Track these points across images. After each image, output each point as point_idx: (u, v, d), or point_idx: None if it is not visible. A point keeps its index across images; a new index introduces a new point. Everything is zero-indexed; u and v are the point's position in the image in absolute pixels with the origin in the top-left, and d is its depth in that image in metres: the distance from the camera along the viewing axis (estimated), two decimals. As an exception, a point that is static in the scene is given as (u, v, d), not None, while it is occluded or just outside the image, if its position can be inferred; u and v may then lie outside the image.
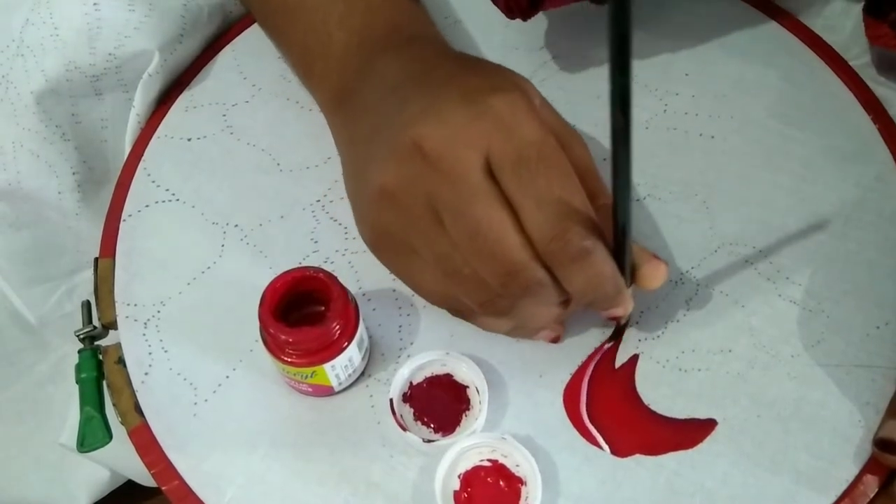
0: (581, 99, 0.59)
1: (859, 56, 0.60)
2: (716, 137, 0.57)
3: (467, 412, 0.48)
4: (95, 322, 0.54)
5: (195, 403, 0.50)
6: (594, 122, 0.58)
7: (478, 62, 0.47)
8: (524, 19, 0.57)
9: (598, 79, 0.60)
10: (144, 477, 0.75)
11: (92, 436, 0.50)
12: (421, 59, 0.48)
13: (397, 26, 0.51)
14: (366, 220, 0.44)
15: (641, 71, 0.60)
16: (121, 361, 0.51)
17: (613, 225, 0.41)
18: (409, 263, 0.45)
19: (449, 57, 0.49)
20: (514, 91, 0.41)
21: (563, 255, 0.39)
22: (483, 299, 0.43)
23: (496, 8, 0.58)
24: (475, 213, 0.39)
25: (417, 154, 0.40)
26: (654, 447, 0.47)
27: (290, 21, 0.53)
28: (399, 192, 0.41)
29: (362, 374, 0.50)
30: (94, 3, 0.57)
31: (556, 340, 0.50)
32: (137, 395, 0.50)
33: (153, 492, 0.79)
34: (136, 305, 0.53)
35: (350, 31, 0.50)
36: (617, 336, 0.51)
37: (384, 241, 0.44)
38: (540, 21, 0.63)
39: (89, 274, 0.56)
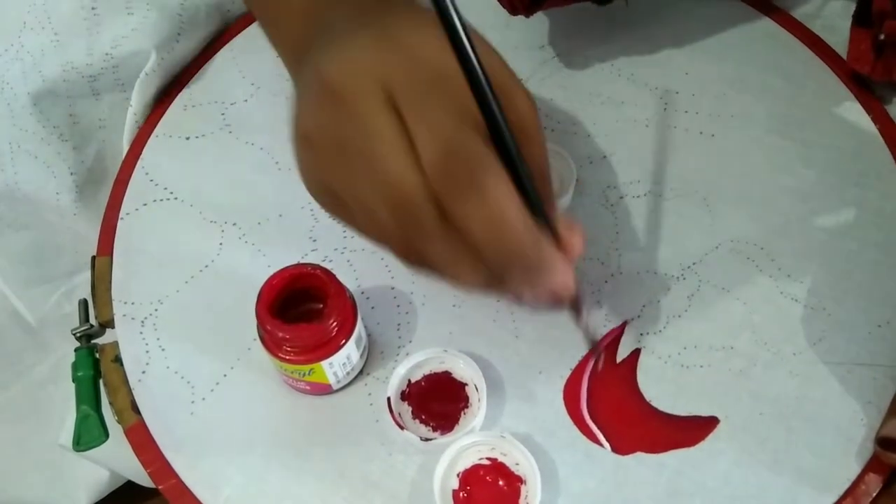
0: (581, 98, 0.59)
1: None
2: (716, 136, 0.57)
3: (466, 410, 0.48)
4: (92, 320, 0.54)
5: (192, 402, 0.50)
6: (594, 121, 0.58)
7: (410, 4, 0.43)
8: (527, 15, 0.57)
9: (598, 78, 0.60)
10: (143, 477, 0.74)
11: (88, 434, 0.50)
12: (365, 9, 0.43)
13: None
14: (300, 171, 0.41)
15: (642, 70, 0.60)
16: (118, 360, 0.51)
17: (509, 166, 0.36)
18: (340, 208, 0.41)
19: (392, 3, 0.44)
20: (426, 24, 0.38)
21: (452, 188, 0.35)
22: (394, 243, 0.39)
23: (496, 7, 0.58)
24: (373, 149, 0.36)
25: (326, 95, 0.37)
26: (656, 445, 0.47)
27: None
28: (314, 135, 0.38)
29: (360, 372, 0.50)
30: (92, 6, 0.57)
31: (515, 301, 0.43)
32: (134, 393, 0.50)
33: (153, 492, 0.79)
34: (133, 304, 0.53)
35: None
36: (591, 345, 0.48)
37: (315, 189, 0.41)
38: (540, 20, 0.63)
39: (88, 275, 0.56)
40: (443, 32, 0.36)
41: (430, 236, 0.36)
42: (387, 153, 0.35)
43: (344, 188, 0.38)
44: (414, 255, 0.38)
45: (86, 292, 0.55)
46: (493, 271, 0.37)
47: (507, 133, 0.36)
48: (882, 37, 0.54)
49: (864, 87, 0.59)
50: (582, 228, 0.39)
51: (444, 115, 0.35)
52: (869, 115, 0.58)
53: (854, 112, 0.58)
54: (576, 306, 0.44)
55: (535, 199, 0.37)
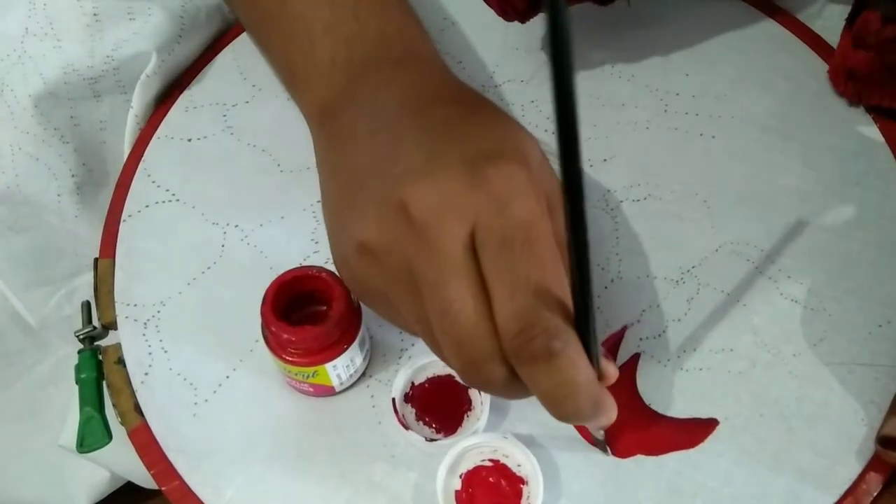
0: (581, 100, 0.59)
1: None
2: (717, 137, 0.57)
3: (469, 412, 0.48)
4: (95, 322, 0.54)
5: (195, 403, 0.50)
6: (594, 123, 0.58)
7: (479, 107, 0.43)
8: (522, 21, 0.56)
9: (599, 80, 0.60)
10: (144, 478, 0.74)
11: (91, 436, 0.50)
12: (416, 87, 0.44)
13: (388, 38, 0.47)
14: (346, 268, 0.41)
15: (642, 71, 0.60)
16: (120, 362, 0.51)
17: (574, 307, 0.36)
18: (389, 314, 0.42)
19: (448, 91, 0.45)
20: (514, 159, 0.37)
21: (526, 353, 0.35)
22: (456, 369, 0.39)
23: (495, 9, 0.58)
24: (447, 292, 0.36)
25: (402, 216, 0.37)
26: (656, 447, 0.47)
27: (272, 30, 0.50)
28: (380, 251, 0.38)
29: (363, 374, 0.50)
30: (93, 8, 0.57)
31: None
32: (137, 395, 0.50)
33: (153, 494, 0.79)
34: (135, 305, 0.53)
35: (336, 41, 0.47)
36: (603, 448, 0.48)
37: (364, 291, 0.42)
38: (540, 22, 0.63)
39: (89, 277, 0.56)
40: (528, 173, 0.37)
41: (493, 385, 0.37)
42: (462, 302, 0.36)
43: (406, 312, 0.39)
44: (470, 381, 0.39)
45: (86, 294, 0.55)
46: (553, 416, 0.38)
47: (591, 299, 0.35)
48: (851, 65, 0.55)
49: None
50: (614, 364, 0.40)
51: (526, 277, 0.35)
52: (870, 115, 0.58)
53: (854, 112, 0.58)
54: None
55: (596, 354, 0.38)
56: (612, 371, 0.39)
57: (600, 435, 0.47)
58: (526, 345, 0.35)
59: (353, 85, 0.45)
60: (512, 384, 0.37)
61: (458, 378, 0.48)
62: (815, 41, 0.61)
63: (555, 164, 0.40)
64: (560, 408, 0.37)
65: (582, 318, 0.36)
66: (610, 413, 0.39)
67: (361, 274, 0.40)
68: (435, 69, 0.47)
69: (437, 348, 0.39)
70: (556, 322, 0.35)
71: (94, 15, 0.56)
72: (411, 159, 0.39)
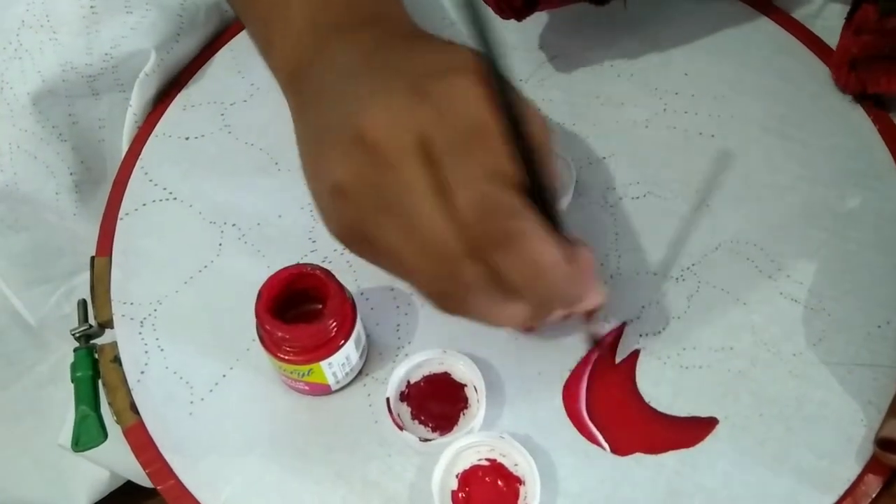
0: (580, 99, 0.59)
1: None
2: (716, 136, 0.57)
3: (465, 411, 0.48)
4: (91, 321, 0.53)
5: (191, 402, 0.50)
6: (593, 122, 0.58)
7: (431, 40, 0.44)
8: (518, 19, 0.56)
9: (598, 79, 0.60)
10: (143, 477, 0.74)
11: (87, 435, 0.50)
12: (376, 39, 0.45)
13: (356, 4, 0.48)
14: (327, 219, 0.42)
15: (641, 71, 0.60)
16: (117, 360, 0.51)
17: (531, 189, 0.37)
18: (374, 256, 0.42)
19: (404, 37, 0.45)
20: (461, 72, 0.38)
21: (488, 240, 0.35)
22: (433, 293, 0.39)
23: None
24: (410, 206, 0.36)
25: (360, 146, 0.37)
26: (655, 446, 0.47)
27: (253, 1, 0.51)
28: (349, 187, 0.38)
29: (359, 373, 0.50)
30: (91, 5, 0.57)
31: (529, 330, 0.49)
32: (133, 393, 0.50)
33: (152, 493, 0.79)
34: (132, 304, 0.53)
35: (308, 4, 0.47)
36: (594, 343, 0.48)
37: (347, 236, 0.42)
38: (538, 21, 0.62)
39: (88, 275, 0.56)
40: (475, 80, 0.37)
41: (468, 287, 0.37)
42: (424, 206, 0.36)
43: (380, 239, 0.39)
44: (451, 303, 0.39)
45: (85, 293, 0.55)
46: (534, 310, 0.38)
47: (543, 182, 0.37)
48: (856, 50, 0.55)
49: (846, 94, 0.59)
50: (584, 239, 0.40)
51: (479, 168, 0.36)
52: (869, 115, 0.57)
53: (853, 112, 0.58)
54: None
55: (559, 222, 0.38)
56: (585, 253, 0.39)
57: (597, 327, 0.47)
58: (487, 232, 0.35)
59: (320, 45, 0.46)
60: (490, 289, 0.37)
61: (454, 376, 0.48)
62: (813, 42, 0.61)
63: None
64: (536, 291, 0.37)
65: (537, 198, 0.37)
66: (592, 295, 0.40)
67: (339, 217, 0.40)
68: (399, 24, 0.48)
69: (410, 274, 0.39)
70: (511, 202, 0.36)
71: (91, 7, 0.56)
72: (362, 94, 0.39)
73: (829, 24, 0.62)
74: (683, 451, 0.47)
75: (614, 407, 0.48)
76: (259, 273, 0.48)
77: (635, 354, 0.50)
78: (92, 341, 0.53)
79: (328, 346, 0.45)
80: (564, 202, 0.54)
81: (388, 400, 0.47)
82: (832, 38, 0.61)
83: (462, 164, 0.36)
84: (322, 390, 0.49)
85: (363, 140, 0.37)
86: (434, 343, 0.50)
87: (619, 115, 0.58)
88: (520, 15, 0.55)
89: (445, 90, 0.37)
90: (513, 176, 0.37)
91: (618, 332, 0.50)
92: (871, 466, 0.46)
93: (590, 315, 0.48)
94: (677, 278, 0.52)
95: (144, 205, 0.56)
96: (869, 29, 0.53)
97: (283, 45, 0.49)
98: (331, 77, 0.44)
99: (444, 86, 0.38)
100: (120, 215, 0.56)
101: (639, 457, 0.47)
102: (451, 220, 0.36)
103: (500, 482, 0.46)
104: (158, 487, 0.48)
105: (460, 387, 0.48)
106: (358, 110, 0.38)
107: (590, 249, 0.39)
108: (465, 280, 0.37)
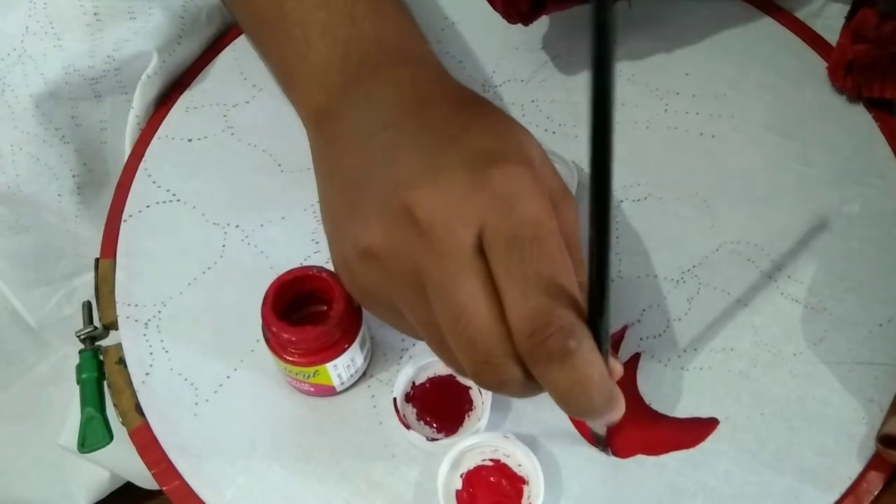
0: (582, 99, 0.59)
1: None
2: (717, 136, 0.57)
3: (470, 412, 0.48)
4: (96, 322, 0.54)
5: (196, 403, 0.50)
6: (594, 122, 0.58)
7: (477, 107, 0.43)
8: (525, 24, 0.56)
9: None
10: (144, 478, 0.75)
11: (93, 436, 0.50)
12: (413, 88, 0.44)
13: (383, 40, 0.47)
14: (348, 273, 0.41)
15: (642, 71, 0.60)
16: (121, 362, 0.51)
17: (589, 303, 0.36)
18: (393, 319, 0.42)
19: (445, 91, 0.45)
20: (516, 159, 0.37)
21: (541, 353, 0.35)
22: (469, 372, 0.38)
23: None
24: (458, 295, 0.36)
25: (407, 220, 0.37)
26: (656, 447, 0.47)
27: (269, 33, 0.50)
28: (385, 256, 0.38)
29: (364, 374, 0.50)
30: (94, 7, 0.57)
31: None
32: (138, 395, 0.50)
33: (151, 494, 0.79)
34: (136, 306, 0.53)
35: (332, 43, 0.47)
36: (603, 447, 0.48)
37: (366, 296, 0.42)
38: (540, 22, 0.62)
39: (88, 277, 0.56)
40: (533, 174, 0.37)
41: (508, 386, 0.37)
42: (474, 304, 0.35)
43: (410, 314, 0.39)
44: (482, 383, 0.38)
45: (86, 294, 0.55)
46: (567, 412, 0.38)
47: (608, 299, 0.35)
48: (852, 57, 0.55)
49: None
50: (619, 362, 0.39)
51: (537, 275, 0.35)
52: (869, 113, 0.58)
53: (855, 111, 0.58)
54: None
55: (607, 350, 0.37)
56: (618, 367, 0.39)
57: (602, 430, 0.47)
58: (541, 344, 0.35)
59: (348, 87, 0.45)
60: (526, 384, 0.37)
61: (459, 378, 0.48)
62: (815, 40, 0.61)
63: (557, 163, 0.40)
64: (576, 404, 0.36)
65: (596, 314, 0.36)
66: (620, 407, 0.39)
67: (364, 279, 0.40)
68: (432, 70, 0.47)
69: (444, 352, 0.39)
70: (570, 320, 0.35)
71: (95, 14, 0.56)
72: (412, 161, 0.38)
73: (830, 23, 0.63)
74: (685, 451, 0.47)
75: (617, 408, 0.48)
76: (262, 274, 0.48)
77: (636, 357, 0.50)
78: (97, 343, 0.53)
79: (334, 348, 0.46)
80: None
81: (395, 400, 0.47)
82: (833, 37, 0.61)
83: (519, 267, 0.35)
84: (327, 392, 0.49)
85: (411, 215, 0.36)
86: (438, 344, 0.50)
87: (619, 116, 0.59)
88: (526, 20, 0.56)
89: (505, 180, 0.36)
90: (569, 288, 0.36)
91: (619, 336, 0.51)
92: (874, 464, 0.46)
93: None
94: (678, 280, 0.52)
95: (148, 207, 0.57)
96: (867, 36, 0.53)
97: (306, 80, 0.48)
98: (365, 125, 0.43)
99: (504, 176, 0.36)
100: (123, 217, 0.56)
101: (640, 458, 0.47)
102: (500, 320, 0.35)
103: (504, 482, 0.46)
104: (164, 488, 0.48)
105: (465, 388, 0.49)
106: (408, 182, 0.37)
107: (621, 366, 0.39)
108: (504, 378, 0.37)
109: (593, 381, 0.35)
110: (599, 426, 0.46)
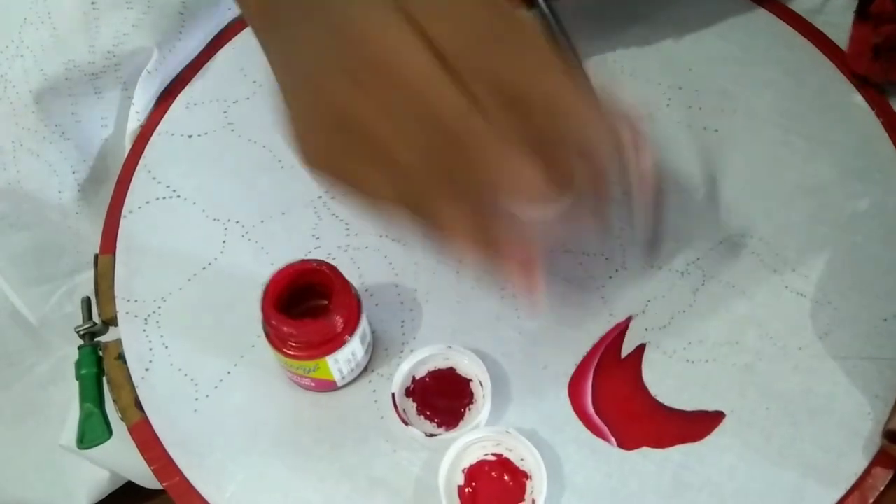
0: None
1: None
2: (720, 131, 0.57)
3: (470, 406, 0.48)
4: (95, 318, 0.53)
5: (196, 399, 0.49)
6: (596, 118, 0.58)
7: None
8: (528, 7, 0.56)
9: (601, 74, 0.60)
10: (144, 477, 0.74)
11: (92, 432, 0.50)
12: None
13: None
14: (306, 139, 0.41)
15: (645, 66, 0.60)
16: (121, 357, 0.51)
17: None
18: (350, 171, 0.40)
19: None
20: None
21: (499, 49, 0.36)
22: (403, 187, 0.38)
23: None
24: (409, 72, 0.36)
25: (345, 34, 0.37)
26: (661, 440, 0.47)
27: None
28: (334, 72, 0.37)
29: (365, 369, 0.50)
30: (92, 2, 0.57)
31: (529, 274, 0.41)
32: (138, 391, 0.50)
33: (152, 494, 0.79)
34: (136, 301, 0.53)
35: None
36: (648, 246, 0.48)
37: (324, 161, 0.41)
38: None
39: (90, 274, 0.56)
40: None
41: (479, 135, 0.36)
42: (421, 68, 0.35)
43: (373, 116, 0.37)
44: (412, 199, 0.37)
45: (88, 291, 0.55)
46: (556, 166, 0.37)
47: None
48: (878, 40, 0.55)
49: (868, 82, 0.59)
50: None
51: (462, 18, 0.36)
52: (873, 109, 0.57)
53: (858, 106, 0.58)
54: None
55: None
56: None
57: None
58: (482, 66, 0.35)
59: None
60: (504, 143, 0.36)
61: (458, 372, 0.48)
62: (816, 36, 0.61)
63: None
64: (555, 111, 0.36)
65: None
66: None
67: (327, 108, 0.39)
68: None
69: (384, 170, 0.38)
70: (514, 14, 0.36)
71: (93, 3, 0.56)
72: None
73: (832, 19, 0.62)
74: (690, 444, 0.47)
75: (620, 401, 0.48)
76: (263, 270, 0.48)
77: (641, 348, 0.50)
78: (96, 339, 0.53)
79: (334, 342, 0.45)
80: (570, 198, 0.54)
81: (393, 395, 0.47)
82: (835, 33, 0.61)
83: (448, 23, 0.36)
84: (327, 386, 0.48)
85: (353, 29, 0.36)
86: (439, 339, 0.50)
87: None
88: (530, 2, 0.55)
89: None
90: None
91: (623, 327, 0.50)
92: (879, 460, 0.46)
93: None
94: (683, 272, 0.52)
95: (148, 202, 0.56)
96: (889, 18, 0.53)
97: None
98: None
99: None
100: (123, 213, 0.56)
101: (645, 451, 0.47)
102: (450, 75, 0.35)
103: (506, 477, 0.46)
104: (163, 484, 0.47)
105: (466, 382, 0.48)
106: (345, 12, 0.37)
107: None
108: (475, 130, 0.35)
109: (566, 79, 0.36)
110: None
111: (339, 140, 0.39)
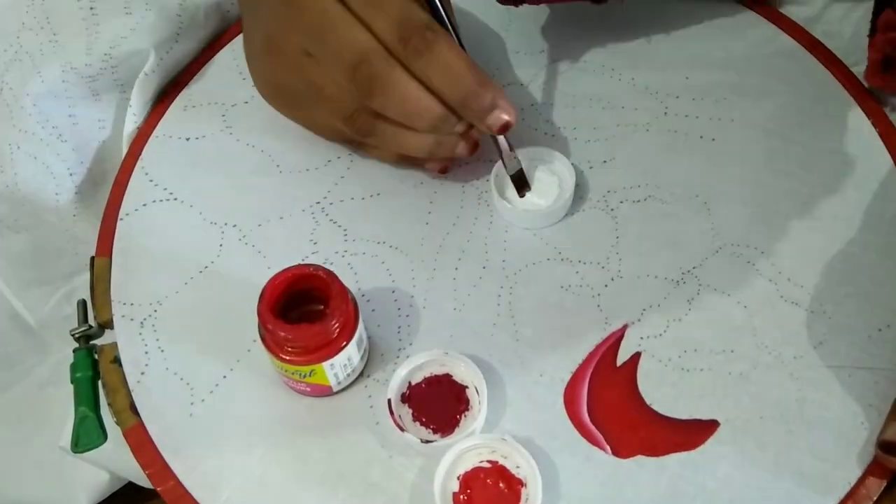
0: (581, 102, 0.59)
1: (859, 62, 0.60)
2: (716, 140, 0.57)
3: (466, 413, 0.48)
4: (91, 321, 0.53)
5: (192, 403, 0.49)
6: (594, 125, 0.58)
7: None
8: (516, 5, 0.56)
9: (599, 82, 0.60)
10: (143, 478, 0.74)
11: (87, 436, 0.50)
12: None
13: None
14: (259, 75, 0.53)
15: (642, 74, 0.60)
16: (116, 361, 0.51)
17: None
18: (298, 104, 0.52)
19: None
20: None
21: (412, 51, 0.45)
22: (346, 112, 0.50)
23: (495, 12, 0.57)
24: (333, 28, 0.45)
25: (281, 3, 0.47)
26: (656, 448, 0.47)
27: None
28: (277, 37, 0.49)
29: (361, 374, 0.50)
30: (91, 6, 0.57)
31: (443, 171, 0.55)
32: (133, 394, 0.50)
33: (152, 494, 0.79)
34: (132, 304, 0.53)
35: None
36: (521, 185, 0.53)
37: (275, 88, 0.52)
38: (539, 24, 0.63)
39: (88, 276, 0.56)
40: None
41: (389, 80, 0.46)
42: (348, 30, 0.45)
43: (313, 69, 0.49)
44: (355, 123, 0.50)
45: (85, 293, 0.55)
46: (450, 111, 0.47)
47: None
48: (889, 50, 0.55)
49: (864, 92, 0.59)
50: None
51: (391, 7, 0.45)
52: (869, 118, 0.58)
53: (854, 116, 0.58)
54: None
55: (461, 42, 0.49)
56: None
57: (505, 144, 0.52)
58: (409, 43, 0.45)
59: None
60: (420, 95, 0.46)
61: (455, 378, 0.48)
62: (814, 45, 0.61)
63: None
64: (456, 89, 0.46)
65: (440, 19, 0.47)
66: (502, 96, 0.47)
67: (275, 69, 0.52)
68: None
69: (327, 99, 0.50)
70: (424, 19, 0.45)
71: (91, 9, 0.56)
72: None
73: (830, 28, 0.63)
74: (685, 453, 0.47)
75: (616, 409, 0.48)
76: (260, 274, 0.48)
77: (636, 357, 0.50)
78: (92, 342, 0.53)
79: (330, 347, 0.45)
80: (565, 205, 0.54)
81: (389, 401, 0.47)
82: (833, 42, 0.61)
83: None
84: (323, 391, 0.48)
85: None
86: (435, 344, 0.50)
87: (619, 119, 0.58)
88: (517, 0, 0.55)
89: None
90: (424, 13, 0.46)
91: (619, 335, 0.50)
92: (872, 469, 0.46)
93: (502, 130, 0.49)
94: (678, 281, 0.52)
95: (145, 205, 0.56)
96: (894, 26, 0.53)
97: None
98: None
99: None
100: (120, 215, 0.56)
101: (640, 459, 0.47)
102: (372, 36, 0.45)
103: (501, 484, 0.46)
104: (158, 489, 0.47)
105: (462, 388, 0.48)
106: None
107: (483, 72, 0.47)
108: (401, 90, 0.46)
109: (461, 61, 0.46)
110: (497, 125, 0.49)
111: (289, 82, 0.51)
